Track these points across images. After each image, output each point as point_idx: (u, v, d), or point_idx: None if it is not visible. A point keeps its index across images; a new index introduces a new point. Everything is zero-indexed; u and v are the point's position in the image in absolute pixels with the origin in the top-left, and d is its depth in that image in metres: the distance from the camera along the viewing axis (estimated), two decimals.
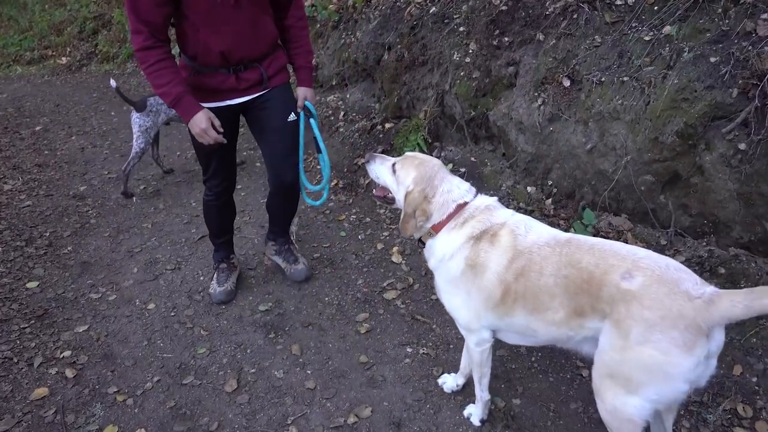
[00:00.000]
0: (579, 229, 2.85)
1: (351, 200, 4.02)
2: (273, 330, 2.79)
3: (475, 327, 1.93)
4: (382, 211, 3.84)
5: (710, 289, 1.47)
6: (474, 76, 3.76)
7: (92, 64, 9.81)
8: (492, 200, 1.95)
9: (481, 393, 2.11)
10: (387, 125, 4.49)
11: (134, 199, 4.36)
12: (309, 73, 2.72)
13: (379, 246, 3.45)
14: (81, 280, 3.30)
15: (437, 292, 2.07)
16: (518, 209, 3.37)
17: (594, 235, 2.85)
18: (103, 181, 4.77)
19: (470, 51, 3.83)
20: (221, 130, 2.41)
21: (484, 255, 1.81)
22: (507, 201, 3.47)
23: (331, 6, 5.39)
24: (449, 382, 2.36)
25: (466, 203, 1.92)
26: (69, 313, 3.01)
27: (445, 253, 1.91)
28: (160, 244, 3.65)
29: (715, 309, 1.41)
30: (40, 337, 2.81)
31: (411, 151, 3.92)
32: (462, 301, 1.91)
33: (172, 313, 2.97)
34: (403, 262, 3.28)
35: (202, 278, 3.25)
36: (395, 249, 3.39)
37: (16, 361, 2.64)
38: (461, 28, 3.95)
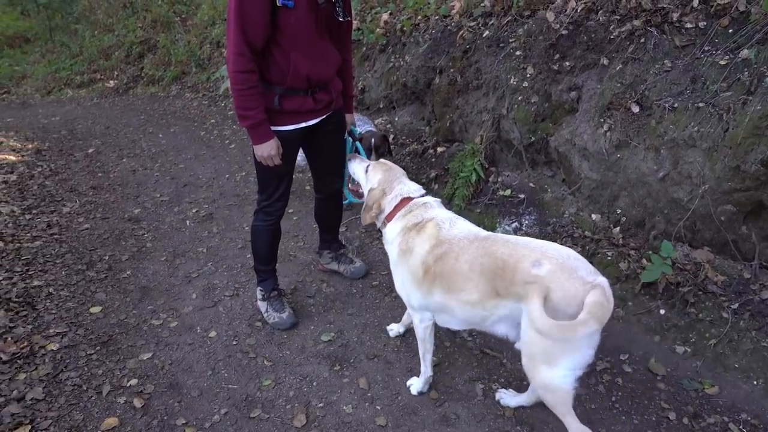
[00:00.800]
0: (657, 261, 2.73)
1: None
2: (338, 362, 2.74)
3: (418, 306, 2.28)
4: None
5: (601, 278, 1.80)
6: (533, 101, 3.70)
7: (138, 87, 10.10)
8: (432, 200, 2.31)
9: (425, 368, 2.46)
10: (439, 149, 4.45)
11: (188, 222, 4.40)
12: (352, 101, 3.05)
13: None
14: (142, 306, 3.32)
15: (393, 277, 2.42)
16: (583, 237, 3.29)
17: (671, 267, 2.76)
18: (156, 204, 4.84)
19: (528, 75, 3.78)
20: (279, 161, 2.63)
21: (411, 242, 2.19)
22: (570, 228, 3.37)
23: (378, 30, 5.42)
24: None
25: (410, 198, 2.31)
26: (132, 339, 3.02)
27: (388, 239, 2.34)
28: (217, 270, 3.65)
29: (602, 295, 1.74)
30: (106, 364, 2.82)
31: (466, 176, 3.88)
32: (401, 281, 2.32)
33: (234, 342, 2.95)
34: None
35: None
36: None
37: (85, 388, 2.65)
38: (518, 52, 3.90)
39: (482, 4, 4.41)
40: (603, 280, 1.79)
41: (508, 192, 3.77)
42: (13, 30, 13.82)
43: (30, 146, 6.87)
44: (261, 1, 2.26)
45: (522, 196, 3.71)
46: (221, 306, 3.27)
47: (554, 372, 1.85)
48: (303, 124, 2.69)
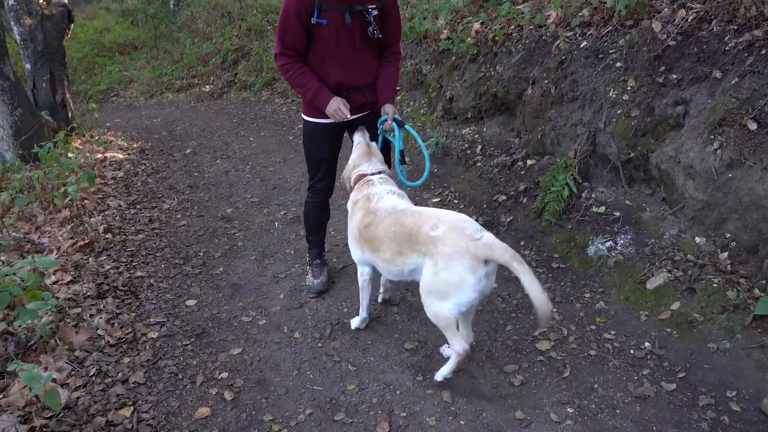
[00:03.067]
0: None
1: None
2: (421, 372, 2.73)
3: (358, 260, 2.87)
4: (527, 251, 3.68)
5: (487, 234, 2.27)
6: (633, 115, 3.53)
7: (232, 92, 10.61)
8: (375, 177, 2.80)
9: (362, 310, 3.03)
10: (529, 161, 4.34)
11: (276, 224, 4.56)
12: (393, 94, 3.12)
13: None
14: (233, 302, 3.47)
15: None
16: (685, 261, 3.10)
17: None
18: (246, 205, 5.05)
19: (628, 88, 3.61)
20: (348, 112, 2.89)
21: (353, 211, 2.79)
22: (671, 251, 3.18)
23: (469, 39, 5.38)
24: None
25: (363, 175, 2.84)
26: (224, 334, 3.15)
27: (348, 205, 2.90)
28: (303, 272, 3.74)
29: (488, 249, 2.20)
30: (200, 356, 2.96)
31: (558, 190, 3.76)
32: (350, 240, 2.88)
33: (319, 344, 3.01)
34: (555, 309, 3.10)
35: (345, 310, 3.28)
36: None
37: (181, 377, 2.79)
38: (618, 64, 3.73)
39: (580, 14, 4.27)
40: (488, 235, 2.26)
41: (602, 209, 3.62)
42: (124, 38, 14.96)
43: (135, 146, 7.40)
44: (296, 21, 2.69)
45: (617, 213, 3.54)
46: (307, 308, 3.34)
47: (443, 304, 2.33)
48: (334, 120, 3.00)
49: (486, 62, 5.13)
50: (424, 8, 6.67)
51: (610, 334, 2.89)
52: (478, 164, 4.72)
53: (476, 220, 4.07)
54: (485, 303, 3.22)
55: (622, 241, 3.40)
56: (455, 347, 2.45)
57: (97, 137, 7.36)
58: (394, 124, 3.01)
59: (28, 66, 7.20)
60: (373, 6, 2.77)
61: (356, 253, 2.84)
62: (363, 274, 2.91)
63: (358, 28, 2.78)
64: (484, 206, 4.24)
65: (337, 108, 2.86)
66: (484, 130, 5.05)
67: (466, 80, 5.37)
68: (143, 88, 12.06)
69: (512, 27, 4.95)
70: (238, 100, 10.09)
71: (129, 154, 6.90)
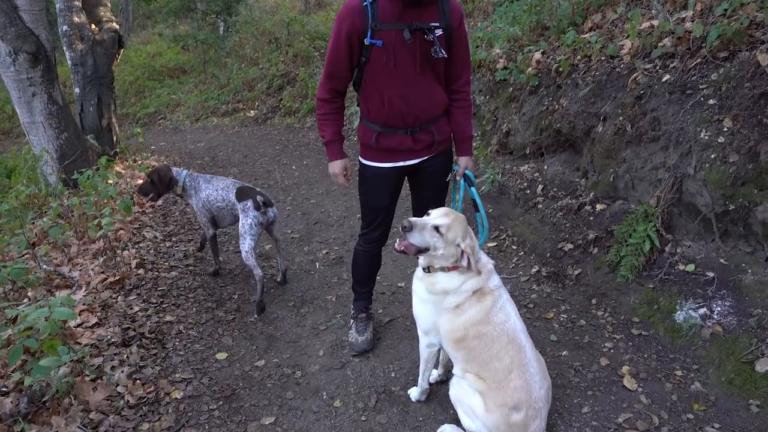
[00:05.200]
0: None
1: (558, 294, 3.45)
2: None
3: (431, 338, 2.47)
4: (600, 312, 3.21)
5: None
6: (731, 160, 3.05)
7: (276, 117, 10.50)
8: (491, 264, 2.37)
9: (422, 382, 2.65)
10: (598, 206, 3.88)
11: (317, 265, 4.22)
12: (470, 143, 2.80)
13: (604, 362, 2.82)
14: (267, 357, 3.12)
15: (415, 298, 2.48)
16: None
17: None
18: (286, 241, 4.73)
19: (725, 129, 3.14)
20: (349, 179, 2.81)
21: (467, 305, 2.28)
22: None
23: (529, 69, 5.00)
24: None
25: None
26: (256, 397, 2.79)
27: (446, 288, 2.31)
28: (346, 323, 3.37)
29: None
30: (227, 425, 2.61)
31: (637, 243, 3.30)
32: (433, 320, 2.40)
33: (363, 417, 2.61)
34: (640, 389, 2.62)
35: (393, 374, 2.88)
36: (626, 369, 2.74)
37: None
38: (711, 101, 3.27)
39: (661, 44, 3.83)
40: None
41: (690, 267, 3.13)
42: (174, 63, 15.23)
43: None
44: (346, 46, 2.41)
45: (710, 274, 3.04)
46: (349, 369, 2.96)
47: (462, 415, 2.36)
48: (401, 163, 2.70)
49: (548, 95, 4.73)
50: (477, 36, 6.34)
51: (713, 427, 2.39)
52: (539, 206, 4.28)
53: (539, 272, 3.71)
54: (554, 376, 2.76)
55: (719, 309, 2.89)
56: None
57: (139, 162, 7.26)
58: (462, 180, 2.80)
59: (77, 90, 7.21)
60: (437, 24, 2.39)
61: (436, 335, 2.43)
62: (430, 347, 2.52)
63: (419, 49, 2.40)
64: (548, 255, 3.79)
65: (336, 174, 2.76)
66: (545, 168, 4.62)
67: (525, 113, 4.97)
68: (189, 112, 12.11)
69: (579, 57, 4.54)
70: (281, 126, 9.96)
71: None
